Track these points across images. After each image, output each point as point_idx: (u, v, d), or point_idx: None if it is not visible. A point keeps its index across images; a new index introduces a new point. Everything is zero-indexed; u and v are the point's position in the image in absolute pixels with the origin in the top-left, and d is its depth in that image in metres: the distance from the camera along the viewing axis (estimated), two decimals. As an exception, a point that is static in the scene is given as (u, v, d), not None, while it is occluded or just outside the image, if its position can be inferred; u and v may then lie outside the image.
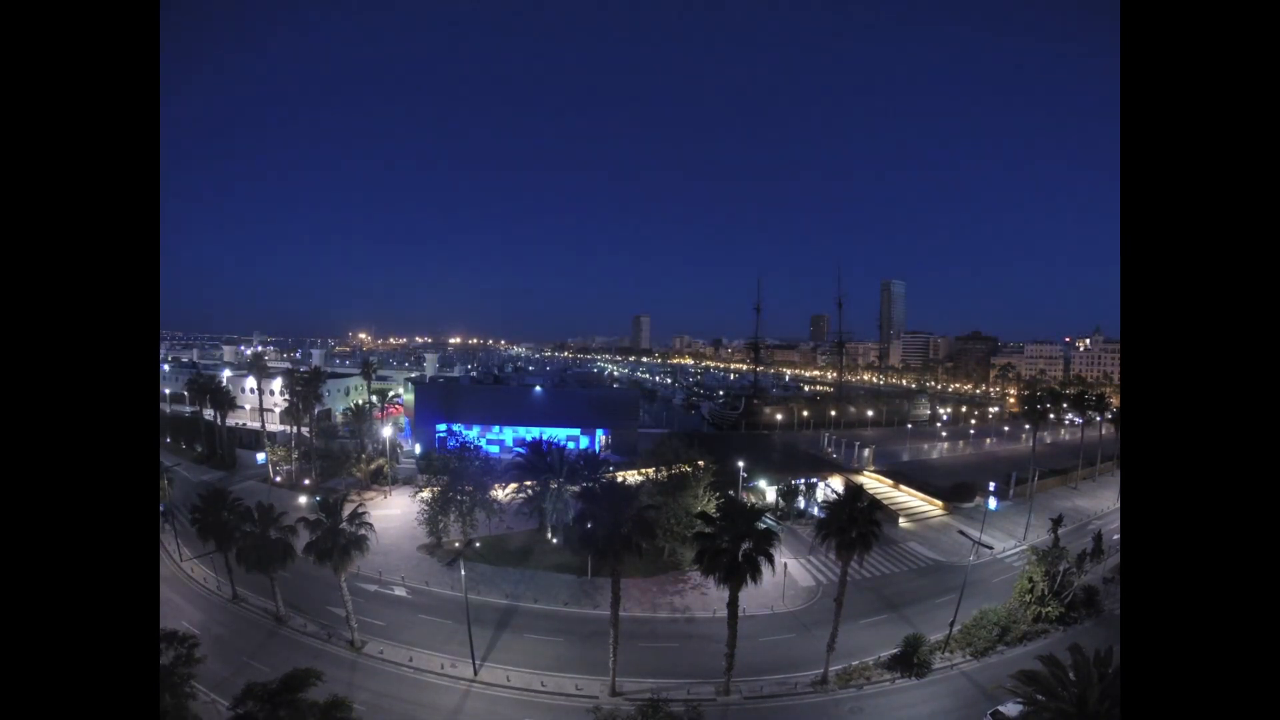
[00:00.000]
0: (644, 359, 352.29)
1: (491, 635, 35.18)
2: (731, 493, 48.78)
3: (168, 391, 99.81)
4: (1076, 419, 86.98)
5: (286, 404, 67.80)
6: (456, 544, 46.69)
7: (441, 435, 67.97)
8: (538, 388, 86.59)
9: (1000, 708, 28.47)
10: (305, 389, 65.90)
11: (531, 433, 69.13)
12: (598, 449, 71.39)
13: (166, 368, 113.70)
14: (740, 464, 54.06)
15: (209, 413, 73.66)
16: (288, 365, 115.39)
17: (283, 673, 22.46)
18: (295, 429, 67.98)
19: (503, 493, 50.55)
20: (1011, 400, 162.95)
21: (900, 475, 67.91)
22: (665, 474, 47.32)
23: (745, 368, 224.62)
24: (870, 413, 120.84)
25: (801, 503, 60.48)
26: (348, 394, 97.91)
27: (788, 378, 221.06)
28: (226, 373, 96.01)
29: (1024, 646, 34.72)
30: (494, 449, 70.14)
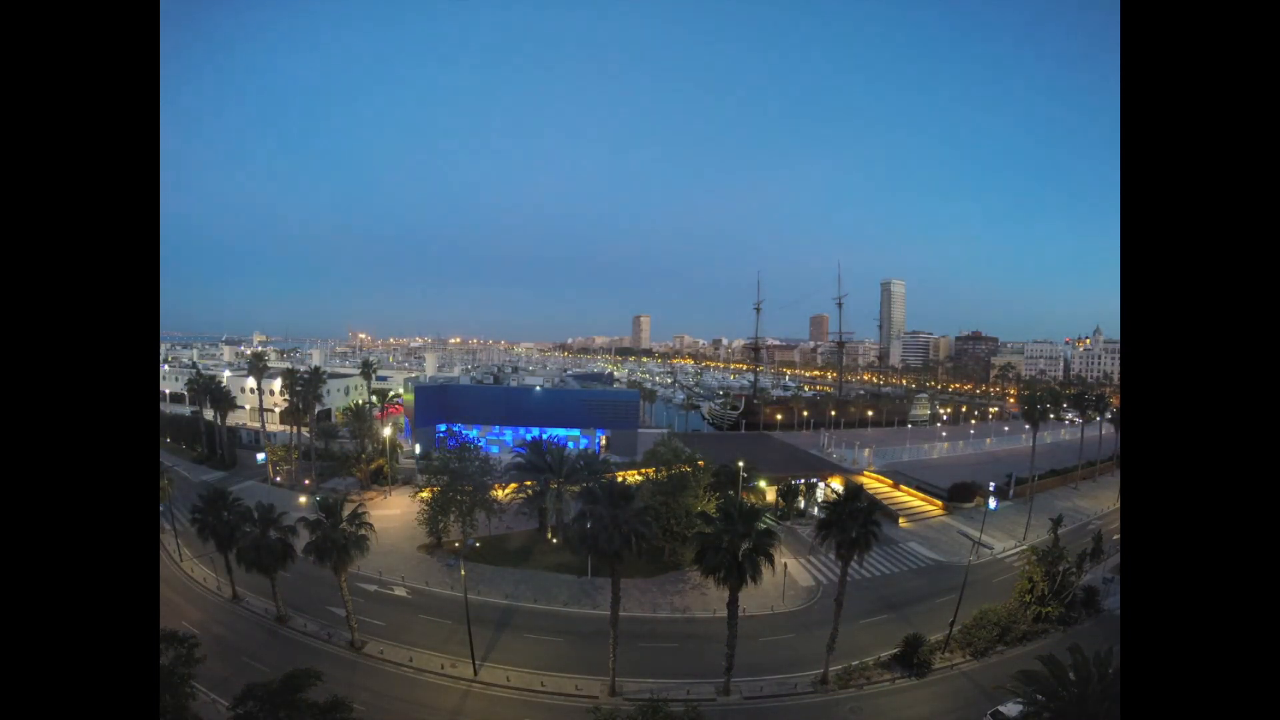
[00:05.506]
0: (644, 359, 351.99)
1: (491, 635, 35.17)
2: (731, 493, 48.79)
3: (168, 391, 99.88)
4: (1076, 419, 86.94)
5: (286, 404, 67.77)
6: (456, 544, 46.72)
7: (441, 435, 67.95)
8: (538, 388, 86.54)
9: (1000, 708, 28.48)
10: (305, 389, 65.85)
11: (531, 433, 69.09)
12: (598, 449, 71.35)
13: (166, 368, 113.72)
14: (740, 464, 54.05)
15: (209, 413, 73.65)
16: (288, 365, 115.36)
17: (283, 673, 22.47)
18: (295, 429, 67.95)
19: (503, 493, 50.55)
20: (1011, 400, 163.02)
21: (900, 475, 67.88)
22: (665, 474, 47.30)
23: (745, 368, 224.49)
24: (870, 413, 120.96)
25: (801, 503, 60.48)
26: (348, 394, 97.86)
27: (788, 378, 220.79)
28: (226, 373, 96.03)
29: (1024, 646, 34.71)
30: (494, 449, 70.11)
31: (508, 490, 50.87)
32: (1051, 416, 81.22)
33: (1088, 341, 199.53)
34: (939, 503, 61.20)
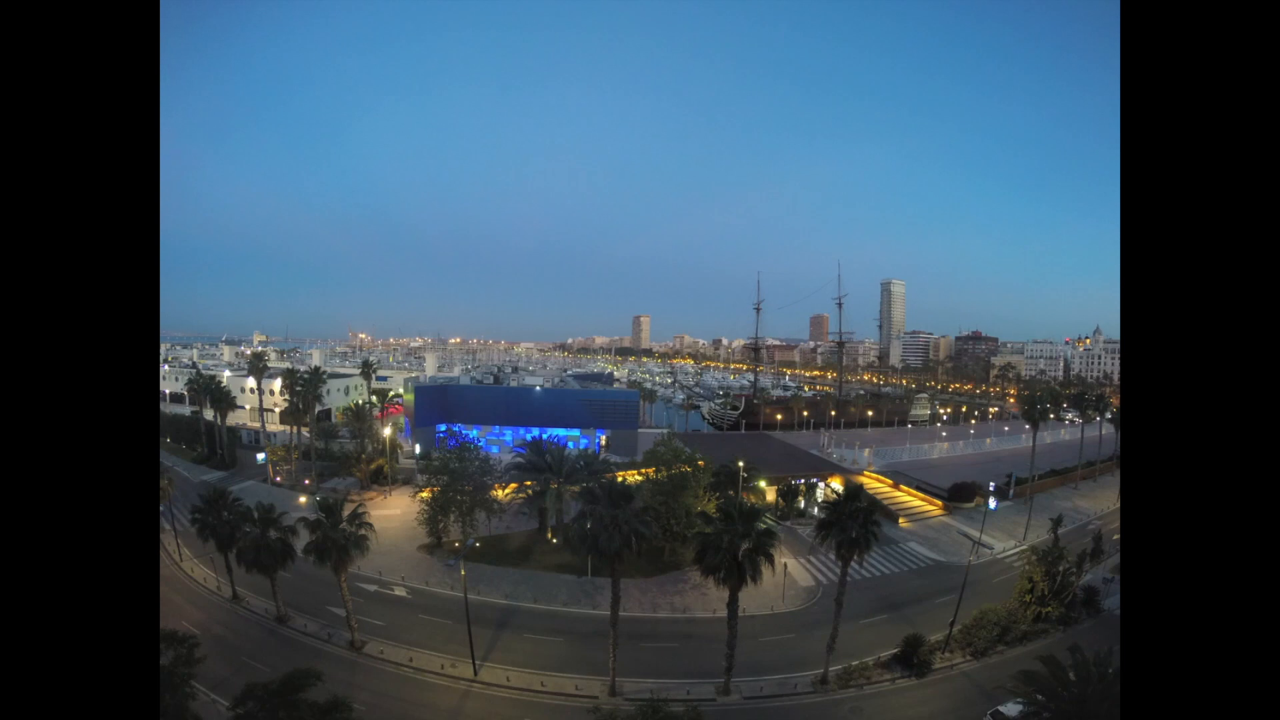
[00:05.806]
0: (644, 359, 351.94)
1: (491, 635, 35.17)
2: (731, 493, 48.80)
3: (168, 391, 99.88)
4: (1076, 419, 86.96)
5: (286, 404, 67.74)
6: (456, 544, 46.71)
7: (441, 435, 67.98)
8: (538, 388, 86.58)
9: (1000, 708, 28.47)
10: (305, 389, 65.83)
11: (531, 433, 69.09)
12: (598, 449, 71.36)
13: (166, 368, 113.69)
14: (740, 464, 54.05)
15: (209, 413, 73.65)
16: (288, 365, 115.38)
17: (283, 673, 22.45)
18: (295, 429, 67.92)
19: (503, 493, 50.55)
20: (1011, 400, 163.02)
21: (900, 475, 67.90)
22: (665, 474, 47.28)
23: (745, 368, 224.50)
24: (870, 413, 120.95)
25: (801, 503, 60.48)
26: (348, 394, 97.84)
27: (788, 378, 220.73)
28: (226, 373, 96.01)
29: (1024, 646, 34.70)
30: (494, 449, 70.10)
31: (508, 490, 50.86)
32: (1051, 416, 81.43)
33: (1088, 341, 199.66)
34: (939, 503, 61.19)
